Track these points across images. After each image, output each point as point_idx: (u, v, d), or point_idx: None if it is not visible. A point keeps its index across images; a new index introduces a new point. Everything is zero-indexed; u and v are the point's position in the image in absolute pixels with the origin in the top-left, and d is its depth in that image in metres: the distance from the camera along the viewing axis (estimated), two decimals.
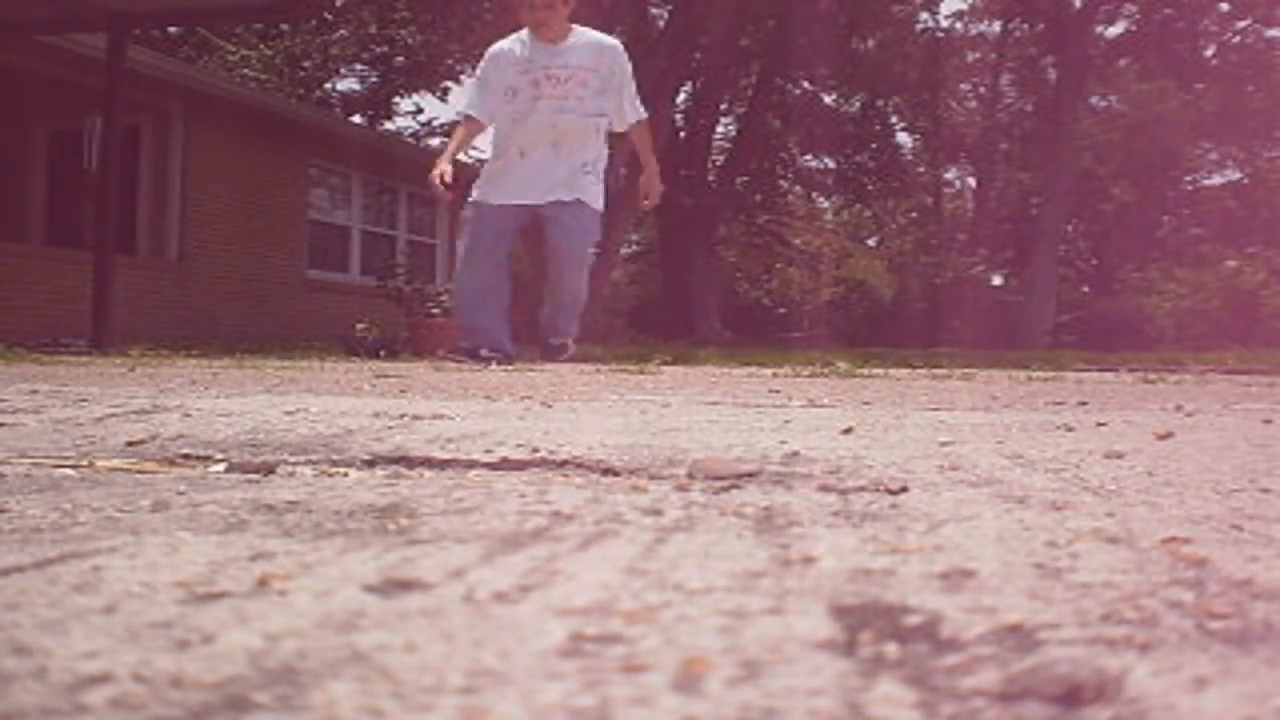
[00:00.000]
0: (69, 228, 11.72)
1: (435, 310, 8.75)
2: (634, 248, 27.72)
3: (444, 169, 5.82)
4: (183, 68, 13.81)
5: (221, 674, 0.53)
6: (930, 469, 1.34)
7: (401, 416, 2.01)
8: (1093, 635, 0.61)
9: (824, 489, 1.18)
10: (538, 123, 5.85)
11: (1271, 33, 26.62)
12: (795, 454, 1.47)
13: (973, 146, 31.36)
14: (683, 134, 24.92)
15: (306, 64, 23.04)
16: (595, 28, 6.12)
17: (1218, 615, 0.65)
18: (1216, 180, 32.56)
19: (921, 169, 32.56)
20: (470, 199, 6.04)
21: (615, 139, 6.32)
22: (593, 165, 5.96)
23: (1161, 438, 1.73)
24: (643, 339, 16.25)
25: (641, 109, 6.11)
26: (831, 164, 29.40)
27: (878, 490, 1.16)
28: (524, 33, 5.89)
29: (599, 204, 6.03)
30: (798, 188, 31.26)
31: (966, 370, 5.33)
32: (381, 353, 7.62)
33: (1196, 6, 26.04)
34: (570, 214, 5.83)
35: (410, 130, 25.71)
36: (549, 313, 6.10)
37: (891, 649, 0.58)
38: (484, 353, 5.69)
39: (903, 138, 31.45)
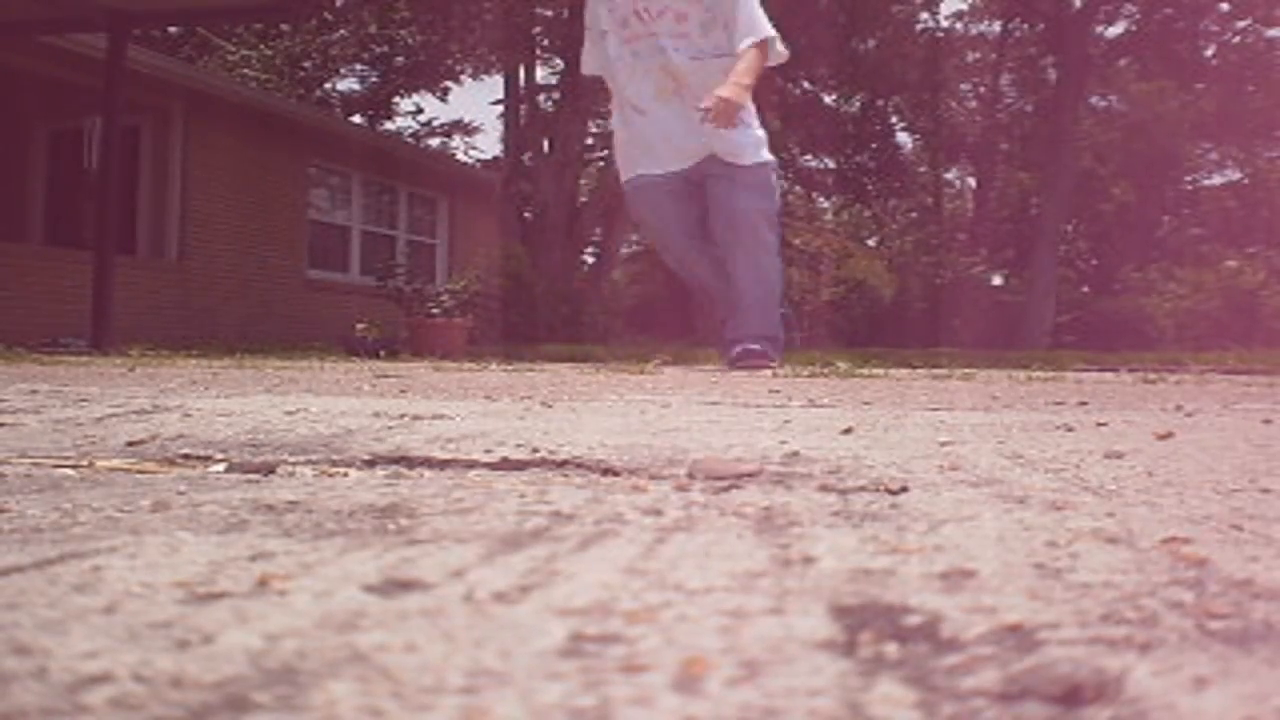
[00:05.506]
0: (69, 228, 11.72)
1: (435, 310, 8.75)
2: (634, 248, 27.67)
3: None
4: (183, 68, 13.81)
5: (221, 674, 0.53)
6: (930, 469, 1.34)
7: (401, 416, 2.01)
8: (1093, 635, 0.61)
9: (824, 489, 1.18)
10: (643, 69, 4.93)
11: (1271, 33, 26.63)
12: (795, 454, 1.47)
13: (973, 146, 31.39)
14: None
15: (306, 64, 23.07)
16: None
17: (1218, 615, 0.65)
18: (1216, 180, 32.62)
19: (921, 169, 32.59)
20: (624, 182, 5.23)
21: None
22: (741, 114, 4.92)
23: (1161, 438, 1.73)
24: (643, 339, 16.25)
25: (764, 27, 4.89)
26: (831, 164, 29.43)
27: (878, 490, 1.16)
28: None
29: (762, 155, 5.05)
30: (798, 188, 31.28)
31: (966, 370, 5.33)
32: (381, 353, 7.62)
33: (1196, 6, 26.04)
34: (726, 176, 4.93)
35: (410, 130, 25.77)
36: (728, 314, 5.13)
37: (891, 649, 0.58)
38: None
39: (903, 138, 31.55)
